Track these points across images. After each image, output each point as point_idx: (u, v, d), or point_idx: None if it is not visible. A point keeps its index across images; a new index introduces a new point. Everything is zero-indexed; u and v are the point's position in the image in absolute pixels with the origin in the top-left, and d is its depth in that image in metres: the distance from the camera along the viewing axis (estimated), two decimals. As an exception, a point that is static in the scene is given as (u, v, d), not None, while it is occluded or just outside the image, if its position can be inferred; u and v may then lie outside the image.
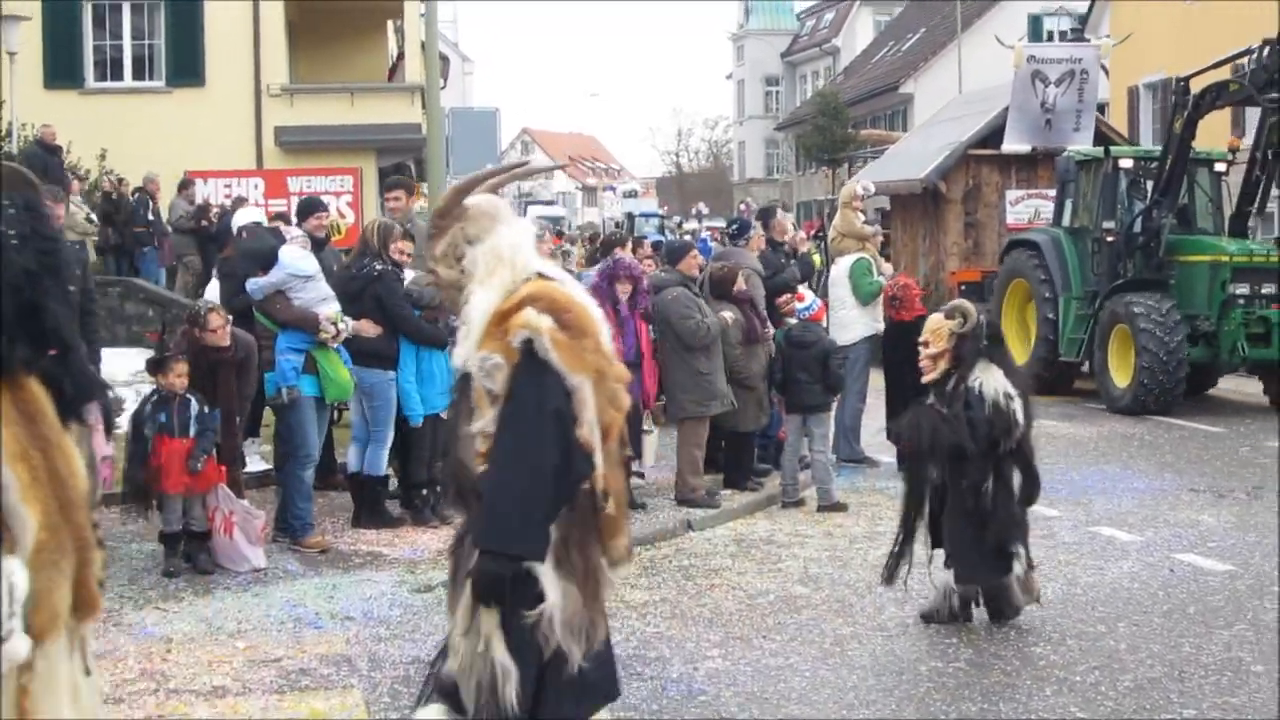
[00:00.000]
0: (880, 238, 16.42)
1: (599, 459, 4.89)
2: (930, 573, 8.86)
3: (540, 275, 5.06)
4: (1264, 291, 19.28)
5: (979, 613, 8.89)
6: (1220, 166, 20.89)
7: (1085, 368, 20.80)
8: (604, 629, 5.03)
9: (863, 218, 16.24)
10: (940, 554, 8.83)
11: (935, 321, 8.98)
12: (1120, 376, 19.31)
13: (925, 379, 8.93)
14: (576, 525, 4.89)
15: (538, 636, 4.80)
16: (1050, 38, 45.43)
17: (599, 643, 4.97)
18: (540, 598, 4.80)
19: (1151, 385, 18.65)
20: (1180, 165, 19.79)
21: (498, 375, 4.86)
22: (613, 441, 5.00)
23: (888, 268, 16.11)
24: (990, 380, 8.67)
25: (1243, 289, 19.26)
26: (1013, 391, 8.70)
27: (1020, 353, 21.81)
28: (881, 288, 14.73)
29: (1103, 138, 23.84)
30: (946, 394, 8.71)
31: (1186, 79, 19.89)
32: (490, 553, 4.77)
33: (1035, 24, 53.40)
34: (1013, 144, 24.01)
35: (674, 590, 9.82)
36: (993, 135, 24.37)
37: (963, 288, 23.85)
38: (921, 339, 9.01)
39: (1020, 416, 8.65)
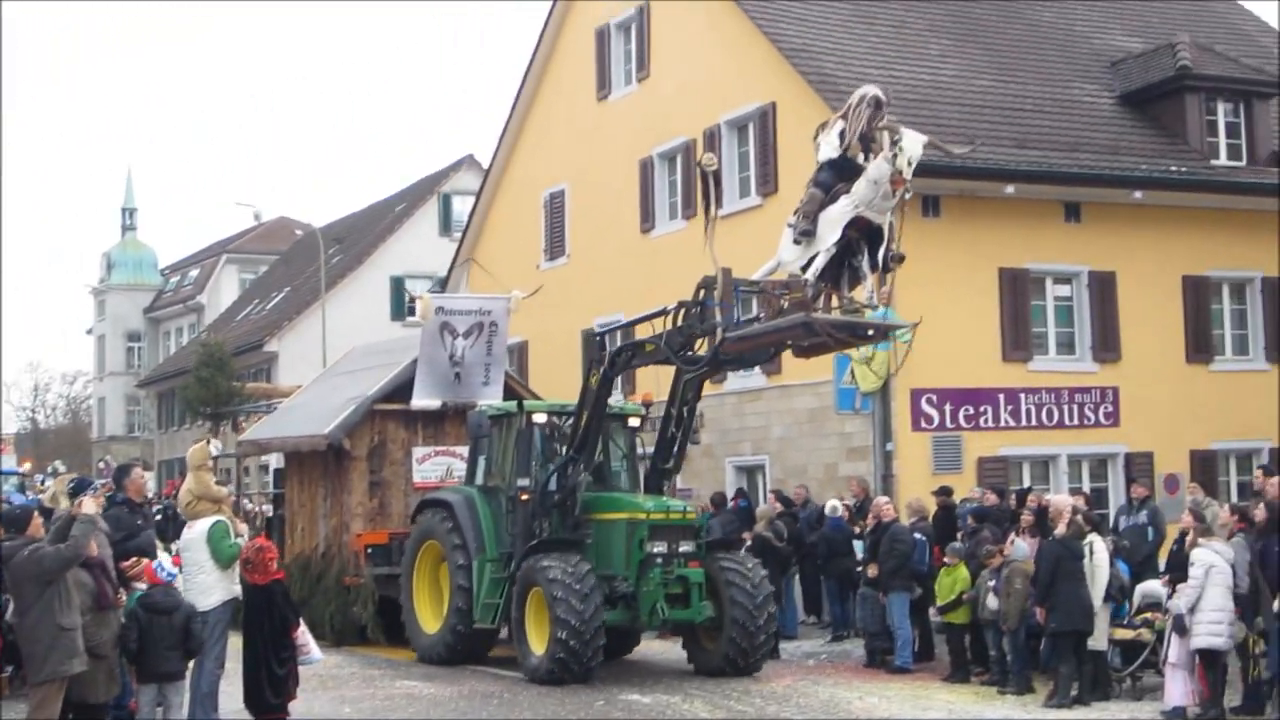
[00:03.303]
0: (234, 498, 15.84)
1: None
2: None
3: None
4: (682, 550, 19.03)
5: None
6: (634, 422, 20.72)
7: (505, 634, 19.75)
8: None
9: (214, 479, 15.89)
10: None
11: None
12: (537, 643, 18.43)
13: None
14: None
15: None
16: (413, 302, 45.91)
17: None
18: None
19: (569, 651, 17.87)
20: (596, 421, 19.45)
21: None
22: None
23: (244, 528, 15.75)
24: None
25: (660, 547, 18.90)
26: None
27: (433, 620, 20.65)
28: (240, 550, 14.50)
29: (512, 392, 23.35)
30: None
31: (601, 335, 19.67)
32: None
33: (398, 285, 54.27)
34: (422, 399, 23.11)
35: None
36: (398, 389, 23.37)
37: (370, 551, 22.57)
38: None
39: None
